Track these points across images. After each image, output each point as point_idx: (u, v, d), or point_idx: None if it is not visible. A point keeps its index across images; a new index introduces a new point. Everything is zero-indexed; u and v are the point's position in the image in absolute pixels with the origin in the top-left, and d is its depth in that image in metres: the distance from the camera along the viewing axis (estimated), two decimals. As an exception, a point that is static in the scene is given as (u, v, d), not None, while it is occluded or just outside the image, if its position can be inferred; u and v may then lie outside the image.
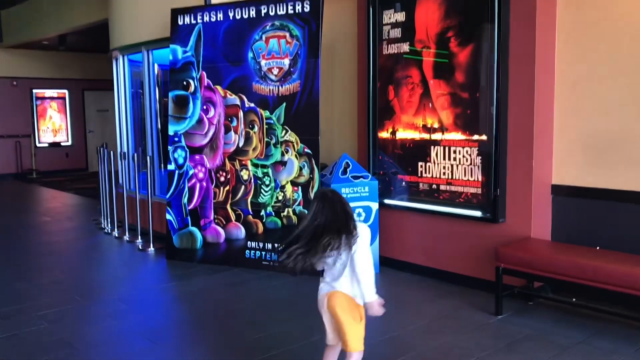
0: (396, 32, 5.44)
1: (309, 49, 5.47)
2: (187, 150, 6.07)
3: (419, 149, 5.36)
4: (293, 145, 5.61)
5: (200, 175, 6.05)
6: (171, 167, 6.17)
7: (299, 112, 5.54)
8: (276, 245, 5.71)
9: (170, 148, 6.15)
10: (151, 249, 6.79)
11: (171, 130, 6.14)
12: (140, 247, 6.93)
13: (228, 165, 5.91)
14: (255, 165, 5.79)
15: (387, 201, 5.65)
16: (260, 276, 5.59)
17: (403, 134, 5.48)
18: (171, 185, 6.17)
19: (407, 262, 5.59)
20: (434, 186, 5.26)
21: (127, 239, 7.39)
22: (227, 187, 5.94)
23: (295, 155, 5.60)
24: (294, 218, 5.65)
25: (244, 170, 5.85)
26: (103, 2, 9.55)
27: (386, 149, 5.66)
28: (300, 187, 5.61)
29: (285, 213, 5.69)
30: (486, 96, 4.82)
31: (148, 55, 7.27)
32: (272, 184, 5.72)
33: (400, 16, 5.39)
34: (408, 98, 5.41)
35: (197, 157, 6.05)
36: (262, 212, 5.80)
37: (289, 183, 5.66)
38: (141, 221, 7.25)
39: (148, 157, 7.18)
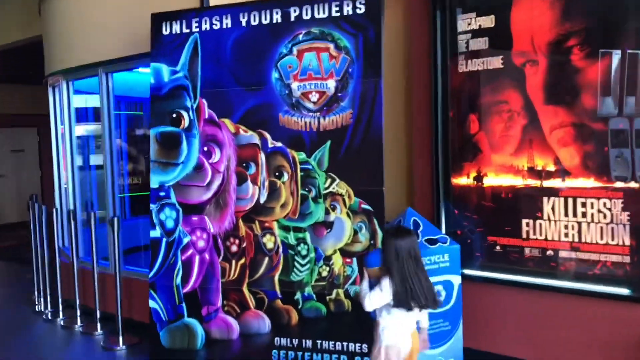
0: (480, 43, 4.00)
1: (365, 65, 3.90)
2: (180, 209, 4.29)
3: (523, 201, 3.89)
4: (343, 200, 3.97)
5: (201, 244, 4.27)
6: (155, 233, 4.35)
7: (352, 152, 3.93)
8: (319, 342, 4.01)
9: (153, 207, 4.34)
10: (121, 346, 4.86)
11: (155, 181, 4.34)
12: (103, 344, 4.97)
13: (243, 229, 4.18)
14: (285, 229, 4.09)
15: (470, 272, 4.11)
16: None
17: (495, 179, 3.99)
18: (156, 260, 4.34)
19: (502, 356, 4.04)
20: (549, 252, 3.79)
21: (80, 328, 5.40)
22: (242, 261, 4.19)
23: (347, 214, 3.96)
24: (347, 303, 3.98)
25: (268, 236, 4.13)
26: (29, 17, 7.60)
27: (466, 201, 4.15)
28: (355, 259, 3.97)
29: (332, 296, 4.01)
30: (631, 128, 3.43)
31: (107, 80, 5.43)
32: (312, 255, 4.04)
33: (487, 21, 3.95)
34: (503, 131, 3.94)
35: (194, 218, 4.28)
36: (297, 296, 4.09)
37: (338, 252, 4.00)
38: (101, 303, 5.30)
39: (110, 215, 5.29)
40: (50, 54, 6.26)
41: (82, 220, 5.89)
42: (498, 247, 4.01)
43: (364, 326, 3.85)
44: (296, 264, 4.07)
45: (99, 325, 5.26)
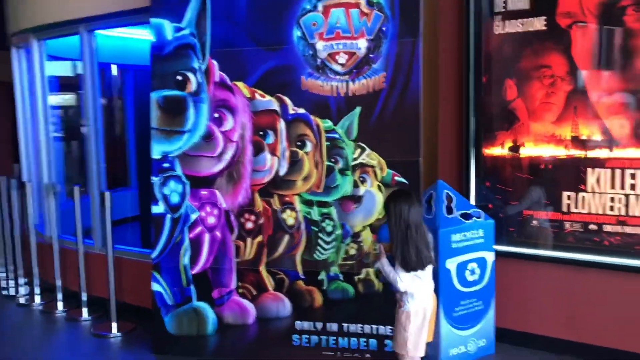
0: (520, 2, 3.70)
1: (401, 23, 3.55)
2: (187, 182, 3.87)
3: (564, 173, 3.66)
4: (374, 172, 3.64)
5: (211, 220, 3.87)
6: (158, 208, 3.91)
7: (385, 120, 3.59)
8: (346, 325, 3.71)
9: (156, 180, 3.90)
10: (115, 333, 4.43)
11: (157, 151, 3.89)
12: (92, 330, 4.53)
13: (260, 204, 3.80)
14: (308, 204, 3.74)
15: (504, 248, 3.87)
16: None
17: (534, 150, 3.74)
18: (159, 238, 3.92)
19: (538, 336, 3.84)
20: (592, 226, 3.58)
21: (63, 314, 4.93)
22: (259, 239, 3.82)
23: (379, 187, 3.64)
24: (377, 283, 3.68)
25: (288, 212, 3.77)
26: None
27: (499, 173, 3.89)
28: (387, 236, 3.66)
29: (361, 276, 3.70)
30: (689, 94, 3.22)
31: (89, 40, 4.87)
32: (338, 232, 3.71)
33: (529, -22, 3.65)
34: (544, 98, 3.68)
35: (204, 192, 3.86)
36: (322, 276, 3.76)
37: (367, 229, 3.68)
38: (88, 286, 4.83)
39: (95, 188, 4.79)
40: (16, 7, 5.58)
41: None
42: (535, 222, 3.78)
43: (394, 307, 3.57)
44: (320, 241, 3.73)
45: (84, 310, 4.79)
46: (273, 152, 3.75)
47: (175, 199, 3.89)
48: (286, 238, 3.78)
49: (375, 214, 3.65)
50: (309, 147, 3.70)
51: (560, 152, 3.65)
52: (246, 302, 3.86)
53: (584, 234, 3.61)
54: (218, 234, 3.86)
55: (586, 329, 3.67)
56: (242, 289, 3.86)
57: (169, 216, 3.89)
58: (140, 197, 5.96)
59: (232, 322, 3.87)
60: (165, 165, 3.88)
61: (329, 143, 3.67)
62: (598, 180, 3.54)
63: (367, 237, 3.68)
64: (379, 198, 3.63)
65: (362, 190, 3.66)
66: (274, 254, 3.81)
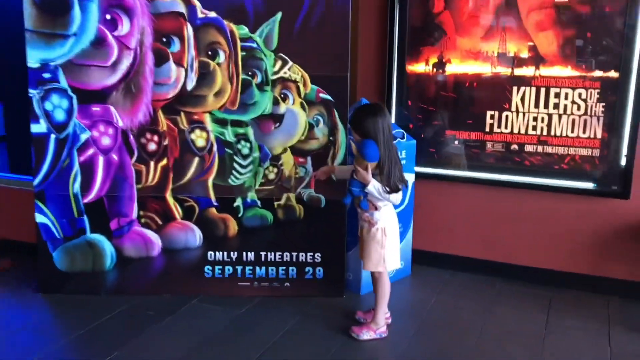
0: None
1: None
2: (74, 96, 3.28)
3: (489, 91, 3.54)
4: (297, 88, 3.29)
5: (106, 141, 3.34)
6: (39, 127, 3.30)
7: (310, 29, 3.21)
8: (263, 254, 3.45)
9: (35, 93, 3.26)
10: (-11, 272, 3.82)
11: (34, 59, 3.24)
12: (-41, 270, 3.88)
13: (164, 122, 3.33)
14: (221, 123, 3.33)
15: (424, 170, 3.75)
16: (239, 313, 3.30)
17: (459, 67, 3.57)
18: (42, 163, 3.33)
19: (457, 256, 3.84)
20: (514, 147, 3.54)
21: None
22: (164, 162, 3.37)
23: (301, 105, 3.31)
24: (299, 209, 3.42)
25: (198, 132, 3.34)
26: None
27: (422, 91, 3.70)
28: (309, 158, 3.37)
29: (282, 202, 3.42)
30: (624, 11, 3.18)
31: None
32: (256, 154, 3.36)
33: None
34: (473, 12, 3.49)
35: (96, 109, 3.31)
36: (238, 203, 3.42)
37: (289, 151, 3.37)
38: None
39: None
40: None
41: None
42: (456, 143, 3.67)
43: (317, 234, 3.36)
44: (235, 165, 3.37)
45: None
46: (179, 63, 3.25)
47: (60, 116, 3.29)
48: (195, 161, 3.36)
49: (297, 135, 3.34)
50: (222, 57, 3.25)
51: (487, 69, 3.51)
52: (150, 233, 3.44)
53: (506, 154, 3.56)
54: (114, 156, 3.35)
55: (502, 248, 3.71)
56: (145, 218, 3.43)
57: (53, 136, 3.30)
58: (5, 114, 5.12)
59: (134, 255, 3.45)
60: (46, 75, 3.25)
61: (245, 53, 3.24)
62: (523, 99, 3.46)
63: (288, 160, 3.36)
64: (302, 117, 3.30)
65: (283, 108, 3.30)
66: (182, 180, 3.39)
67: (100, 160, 3.34)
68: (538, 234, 3.60)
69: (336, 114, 3.30)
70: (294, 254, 3.44)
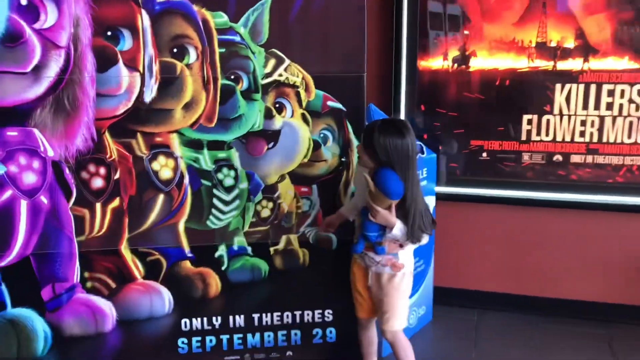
0: None
1: None
2: (-23, 117, 2.29)
3: (526, 90, 2.87)
4: (297, 95, 2.45)
5: (29, 179, 2.36)
6: None
7: (313, 14, 2.39)
8: (257, 316, 2.60)
9: None
10: None
11: None
12: None
13: (113, 148, 2.39)
14: (194, 145, 2.44)
15: (444, 189, 3.03)
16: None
17: (487, 61, 2.87)
18: None
19: (485, 293, 3.16)
20: (557, 158, 2.88)
21: None
22: (116, 203, 2.44)
23: (303, 117, 2.47)
24: (302, 255, 2.59)
25: (162, 159, 2.43)
26: None
27: (439, 92, 2.98)
28: (315, 187, 2.55)
29: (281, 246, 2.57)
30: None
31: None
32: (243, 186, 2.49)
33: None
34: (504, -8, 2.79)
35: (11, 134, 2.32)
36: (220, 252, 2.54)
37: (288, 179, 2.53)
38: None
39: None
40: None
41: None
42: (485, 154, 2.97)
43: (327, 285, 2.56)
44: (216, 201, 2.49)
45: None
46: (132, 65, 2.33)
47: (-44, 146, 2.29)
48: (160, 200, 2.46)
49: (298, 157, 2.50)
50: (193, 56, 2.36)
51: (522, 63, 2.83)
52: (99, 301, 2.50)
53: (547, 167, 2.90)
54: (44, 199, 2.38)
55: (541, 280, 3.06)
56: (92, 281, 2.48)
57: (-53, 176, 2.29)
58: None
59: (79, 333, 2.50)
60: None
61: (224, 50, 2.37)
62: (568, 100, 2.80)
63: (286, 190, 2.52)
64: (304, 133, 2.48)
65: (278, 122, 2.46)
66: (142, 226, 2.47)
67: (23, 205, 2.36)
68: (587, 262, 2.97)
69: (349, 127, 2.50)
70: (297, 313, 2.62)
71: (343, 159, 2.52)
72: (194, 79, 2.36)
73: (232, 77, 2.39)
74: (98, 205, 2.42)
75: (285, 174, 2.51)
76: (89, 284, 2.48)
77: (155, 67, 2.34)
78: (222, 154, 2.45)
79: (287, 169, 2.51)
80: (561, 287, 3.03)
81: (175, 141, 2.41)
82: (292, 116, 2.46)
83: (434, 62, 2.94)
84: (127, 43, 2.31)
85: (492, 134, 2.93)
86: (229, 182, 2.47)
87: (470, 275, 3.16)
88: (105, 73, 2.31)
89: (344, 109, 2.47)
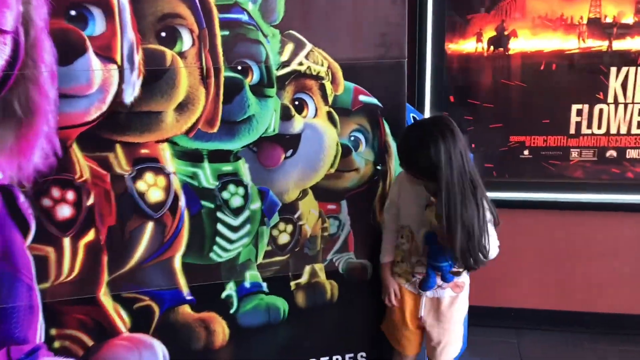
0: None
1: None
2: None
3: (575, 76, 2.44)
4: (322, 88, 1.93)
5: (-30, 211, 1.75)
6: None
7: (341, -14, 1.87)
8: (276, 366, 2.08)
9: None
10: None
11: None
12: None
13: (84, 165, 1.81)
14: (192, 157, 1.88)
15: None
16: None
17: (530, 42, 2.42)
18: None
19: (522, 310, 2.73)
20: (611, 154, 2.48)
21: None
22: (89, 237, 1.85)
23: (329, 116, 1.95)
24: (330, 288, 2.07)
25: (150, 177, 1.86)
26: None
27: (473, 80, 2.51)
28: (345, 203, 2.03)
29: (304, 279, 2.05)
30: None
31: None
32: (255, 206, 1.95)
33: None
34: (552, -42, 2.34)
35: (-58, 151, 1.71)
36: (228, 291, 2.00)
37: (311, 194, 2.00)
38: None
39: None
40: None
41: None
42: (526, 152, 2.53)
43: (361, 322, 2.07)
44: (221, 228, 1.94)
45: None
46: (106, 55, 1.74)
47: None
48: (149, 229, 1.89)
49: (323, 167, 1.98)
50: (187, 41, 1.80)
51: (571, 43, 2.39)
52: (72, 364, 1.92)
53: (599, 164, 2.49)
54: (-9, 238, 1.77)
55: (588, 294, 2.66)
56: (62, 339, 1.90)
57: None
58: None
59: (45, 407, 1.91)
60: None
61: (227, 33, 1.81)
62: (624, 86, 2.39)
63: (309, 209, 2.00)
64: (330, 136, 1.96)
65: (298, 124, 1.93)
66: (126, 264, 1.90)
67: (-38, 247, 1.75)
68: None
69: (386, 127, 1.99)
70: (325, 359, 2.11)
71: (379, 167, 2.01)
72: (189, 71, 1.81)
73: (239, 67, 1.84)
74: (66, 241, 1.83)
75: (308, 188, 1.98)
76: (57, 344, 1.89)
77: (138, 57, 1.76)
78: (227, 167, 1.91)
79: (310, 183, 1.98)
80: (612, 300, 2.64)
81: (166, 153, 1.85)
82: (315, 116, 1.93)
83: (466, 45, 2.47)
84: (98, 26, 1.73)
85: (535, 128, 2.49)
86: (237, 202, 1.93)
87: (508, 291, 2.73)
88: (69, 66, 1.72)
89: (380, 104, 1.96)
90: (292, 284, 2.04)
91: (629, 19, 2.33)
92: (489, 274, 2.52)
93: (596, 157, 2.49)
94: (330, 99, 1.93)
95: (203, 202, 1.91)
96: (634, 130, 2.43)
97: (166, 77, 1.79)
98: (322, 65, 1.90)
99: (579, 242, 2.61)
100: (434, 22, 2.43)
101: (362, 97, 1.95)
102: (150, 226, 1.88)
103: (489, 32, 2.44)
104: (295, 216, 1.99)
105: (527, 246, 2.65)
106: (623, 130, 2.44)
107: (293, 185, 1.97)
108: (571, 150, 2.50)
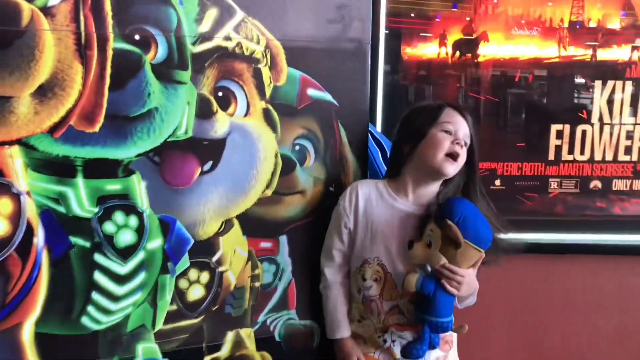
0: None
1: None
2: None
3: (555, 90, 2.06)
4: (256, 74, 1.36)
5: None
6: None
7: None
8: None
9: None
10: None
11: None
12: None
13: None
14: (56, 169, 1.23)
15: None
16: None
17: (503, 48, 2.01)
18: None
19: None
20: (595, 185, 2.08)
21: None
22: None
23: (266, 113, 1.38)
24: (262, 361, 1.45)
25: (-13, 198, 1.20)
26: None
27: (432, 93, 2.06)
28: (285, 238, 1.44)
29: (224, 351, 1.41)
30: None
31: None
32: (155, 244, 1.32)
33: None
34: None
35: None
36: (110, 372, 1.33)
37: (237, 226, 1.39)
38: None
39: None
40: None
41: None
42: (498, 182, 2.07)
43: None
44: (100, 278, 1.28)
45: None
46: None
47: None
48: (-18, 280, 1.20)
49: (256, 186, 1.39)
50: (54, -8, 1.18)
51: (550, 51, 2.00)
52: None
53: (582, 197, 2.07)
54: None
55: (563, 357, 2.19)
56: None
57: None
58: None
59: None
60: None
61: (117, -15, 1.22)
62: (610, 103, 2.01)
63: (233, 247, 1.39)
64: (267, 143, 1.38)
65: (221, 124, 1.34)
66: (-58, 336, 1.19)
67: None
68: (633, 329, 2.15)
69: (343, 133, 1.45)
70: None
71: (332, 189, 1.45)
72: (59, 36, 1.19)
73: (136, 37, 1.24)
74: None
75: (233, 218, 1.38)
76: None
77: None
78: (113, 186, 1.27)
79: (236, 210, 1.38)
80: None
81: (15, 162, 1.20)
82: (246, 114, 1.36)
83: (426, 49, 2.01)
84: None
85: (508, 153, 2.04)
86: (126, 238, 1.29)
87: (473, 355, 2.20)
88: None
89: (335, 102, 1.42)
90: (208, 359, 1.39)
91: (615, 23, 1.98)
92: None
93: (578, 188, 2.07)
94: (268, 92, 1.37)
95: (73, 239, 1.25)
96: (621, 157, 2.04)
97: (20, 43, 1.16)
98: (258, 43, 1.34)
99: (557, 292, 2.16)
100: (387, 20, 1.95)
101: (311, 91, 1.40)
102: (-18, 277, 1.20)
103: (455, 35, 2.00)
104: (214, 259, 1.38)
105: (495, 298, 2.16)
106: (609, 157, 2.05)
107: (212, 214, 1.36)
108: (550, 180, 2.07)
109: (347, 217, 1.35)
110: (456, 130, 1.32)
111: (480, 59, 2.01)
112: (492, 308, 2.17)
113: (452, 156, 1.30)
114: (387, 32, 1.94)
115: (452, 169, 1.31)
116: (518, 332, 2.21)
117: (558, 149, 2.05)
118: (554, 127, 2.03)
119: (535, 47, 1.99)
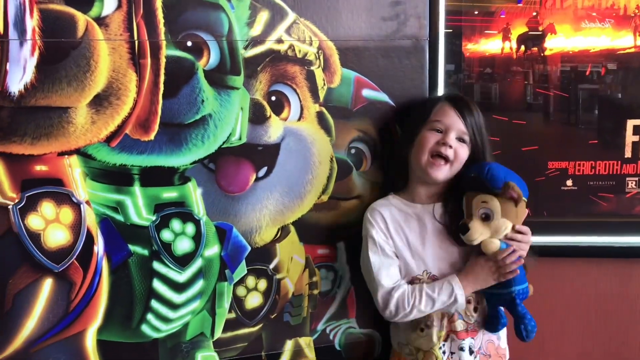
0: None
1: None
2: None
3: (631, 83, 1.92)
4: (309, 77, 1.33)
5: None
6: None
7: None
8: None
9: None
10: None
11: None
12: None
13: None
14: (113, 178, 1.25)
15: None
16: None
17: (571, 40, 1.89)
18: None
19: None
20: (675, 182, 1.92)
21: None
22: (-50, 302, 1.18)
23: (319, 117, 1.35)
24: (325, 370, 1.42)
25: (49, 209, 1.22)
26: None
27: (495, 90, 1.96)
28: (342, 244, 1.40)
29: (284, 359, 1.39)
30: None
31: None
32: (213, 252, 1.31)
33: None
34: None
35: None
36: (170, 380, 1.33)
37: (293, 233, 1.37)
38: None
39: None
40: None
41: None
42: (569, 182, 1.95)
43: None
44: (159, 286, 1.29)
45: None
46: (-20, 19, 1.13)
47: None
48: (45, 290, 1.23)
49: (312, 192, 1.36)
50: (110, 4, 1.19)
51: (625, 41, 1.87)
52: None
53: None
54: None
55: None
56: None
57: None
58: None
59: None
60: None
61: (171, -10, 1.22)
62: (693, 93, 1.86)
63: (290, 254, 1.37)
64: (322, 147, 1.35)
65: (275, 129, 1.32)
66: (7, 345, 1.22)
67: None
68: None
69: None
70: None
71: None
72: (113, 46, 1.20)
73: (189, 43, 1.24)
74: None
75: (289, 225, 1.36)
76: None
77: (32, 23, 1.15)
78: (169, 194, 1.27)
79: (293, 216, 1.36)
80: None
81: (74, 172, 1.21)
82: (300, 118, 1.33)
83: (488, 45, 1.92)
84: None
85: (580, 152, 1.92)
86: (183, 246, 1.29)
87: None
88: None
89: (391, 102, 1.38)
90: (266, 371, 1.38)
91: (696, 7, 1.83)
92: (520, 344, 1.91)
93: (659, 186, 1.93)
94: (321, 94, 1.33)
95: (131, 247, 1.26)
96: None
97: (75, 54, 1.18)
98: (311, 44, 1.31)
99: (637, 297, 2.02)
100: (447, 14, 1.88)
101: (366, 92, 1.36)
102: (47, 285, 1.22)
103: (519, 29, 1.90)
104: (271, 266, 1.35)
105: (569, 305, 2.05)
106: (690, 150, 1.89)
107: (268, 220, 1.34)
108: (627, 179, 1.93)
109: (386, 241, 1.28)
110: (447, 129, 1.24)
111: (547, 53, 1.90)
112: (567, 315, 2.06)
113: (441, 157, 1.22)
114: (448, 30, 1.87)
115: (439, 173, 1.23)
116: (593, 340, 2.09)
117: (635, 145, 1.91)
118: (631, 123, 1.90)
119: (607, 38, 1.87)
